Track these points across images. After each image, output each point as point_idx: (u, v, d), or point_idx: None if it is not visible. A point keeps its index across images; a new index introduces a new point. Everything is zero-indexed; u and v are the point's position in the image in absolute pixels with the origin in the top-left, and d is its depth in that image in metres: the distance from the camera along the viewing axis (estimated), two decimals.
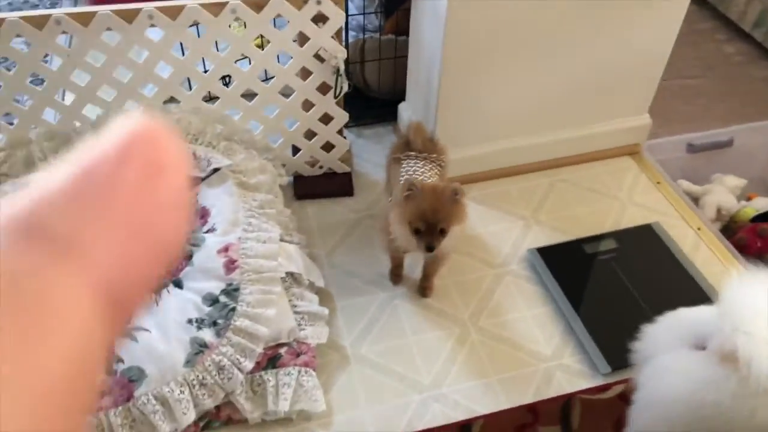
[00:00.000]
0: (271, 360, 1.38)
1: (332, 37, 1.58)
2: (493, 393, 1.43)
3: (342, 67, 1.61)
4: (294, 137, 1.76)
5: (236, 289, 1.38)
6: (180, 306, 1.37)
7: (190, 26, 1.52)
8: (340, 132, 1.79)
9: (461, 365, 1.48)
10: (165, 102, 1.62)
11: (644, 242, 1.74)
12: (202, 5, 1.48)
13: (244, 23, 1.53)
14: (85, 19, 1.44)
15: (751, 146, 2.16)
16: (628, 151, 1.99)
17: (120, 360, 1.28)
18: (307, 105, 1.71)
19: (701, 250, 1.73)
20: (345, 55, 1.60)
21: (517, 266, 1.69)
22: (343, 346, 1.51)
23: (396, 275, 1.64)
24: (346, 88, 1.68)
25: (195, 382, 1.29)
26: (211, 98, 1.68)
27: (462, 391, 1.43)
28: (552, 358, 1.50)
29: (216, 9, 1.49)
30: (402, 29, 2.04)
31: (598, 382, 1.45)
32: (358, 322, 1.55)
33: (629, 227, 1.77)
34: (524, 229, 1.77)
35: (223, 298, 1.37)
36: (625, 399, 1.39)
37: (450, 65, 1.68)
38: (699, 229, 1.78)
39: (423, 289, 1.61)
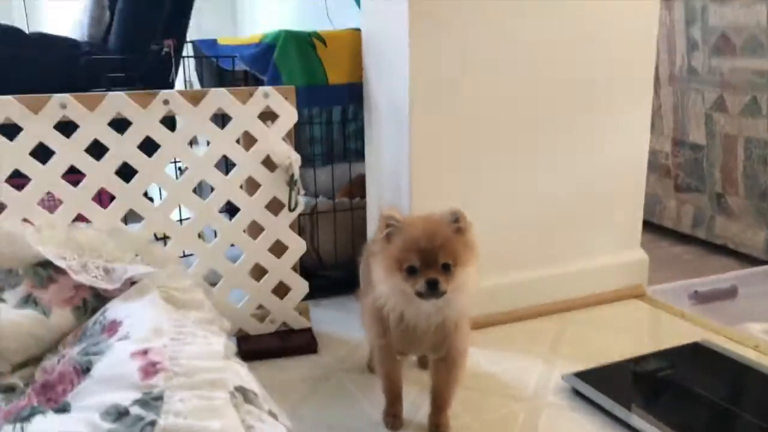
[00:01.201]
0: None
1: (283, 138, 1.35)
2: None
3: (297, 174, 1.35)
4: (237, 275, 1.38)
5: (158, 398, 0.86)
6: (61, 427, 0.82)
7: (112, 121, 1.26)
8: (295, 269, 1.43)
9: None
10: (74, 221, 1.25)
11: (699, 358, 1.36)
12: (129, 94, 1.25)
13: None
14: None
15: (756, 295, 1.93)
16: (634, 294, 1.71)
17: None
18: (255, 230, 1.38)
19: None
20: (299, 161, 1.36)
21: (555, 397, 1.23)
22: None
23: (393, 416, 1.14)
24: (302, 204, 1.38)
25: None
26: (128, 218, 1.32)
27: None
28: None
29: (145, 99, 1.26)
30: (355, 194, 1.85)
31: None
32: None
33: (674, 347, 1.39)
34: (547, 365, 1.35)
35: (136, 410, 0.84)
36: None
37: (419, 194, 1.45)
38: (757, 346, 1.42)
39: (436, 427, 1.11)
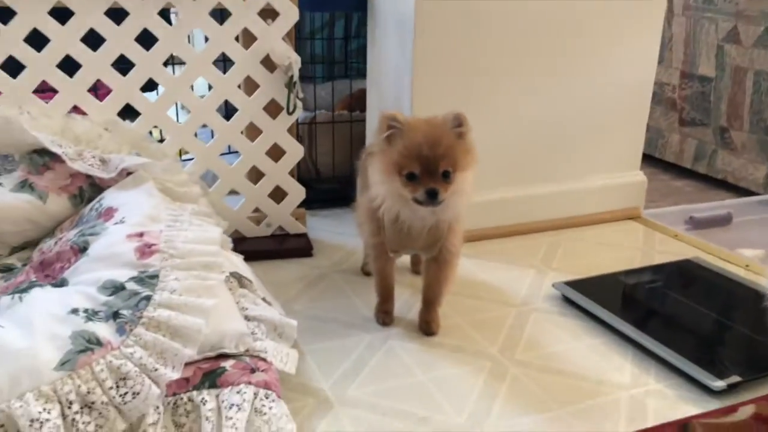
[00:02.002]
0: (208, 375, 0.83)
1: (283, 39, 1.33)
2: (566, 425, 0.90)
3: (297, 76, 1.33)
4: (234, 177, 1.38)
5: (154, 276, 0.88)
6: (59, 297, 0.84)
7: (110, 10, 1.23)
8: (293, 174, 1.43)
9: (506, 400, 0.96)
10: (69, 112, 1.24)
11: (690, 272, 1.38)
12: None
13: None
14: None
15: (750, 223, 1.94)
16: (630, 215, 1.71)
17: None
18: (253, 132, 1.37)
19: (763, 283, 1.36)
20: (299, 62, 1.33)
21: (545, 304, 1.25)
22: (320, 388, 0.96)
23: (385, 312, 1.16)
24: (300, 106, 1.37)
25: (72, 397, 0.72)
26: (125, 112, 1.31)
27: (517, 426, 0.89)
28: (634, 386, 1.01)
29: None
30: (355, 108, 1.83)
31: (711, 404, 0.96)
32: (339, 364, 1.03)
33: (666, 262, 1.40)
34: (539, 275, 1.37)
35: (132, 286, 0.86)
36: (763, 420, 0.91)
37: (420, 107, 1.42)
38: (747, 266, 1.44)
39: (426, 323, 1.13)
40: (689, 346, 1.09)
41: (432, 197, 0.97)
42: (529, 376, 1.01)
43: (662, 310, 1.24)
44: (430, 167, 0.97)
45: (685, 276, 1.37)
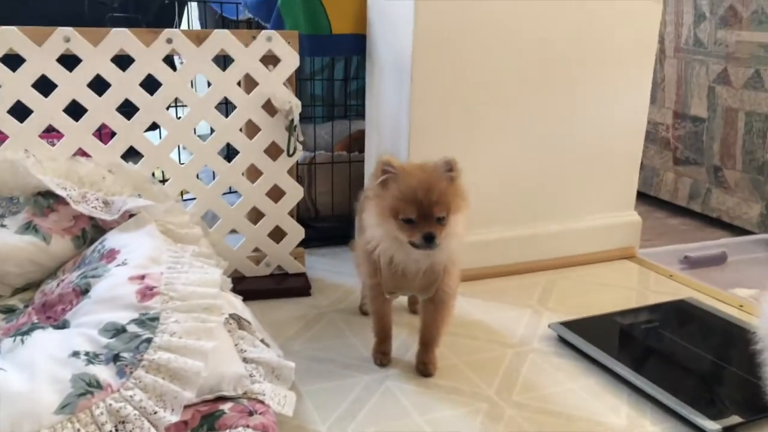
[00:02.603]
0: (207, 418, 0.84)
1: (284, 83, 1.36)
2: None
3: (297, 120, 1.36)
4: (234, 218, 1.40)
5: (154, 319, 0.89)
6: (60, 340, 0.85)
7: (114, 56, 1.27)
8: (292, 215, 1.45)
9: None
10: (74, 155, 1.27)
11: (685, 313, 1.39)
12: (132, 31, 1.25)
13: None
14: None
15: (745, 262, 1.96)
16: (625, 255, 1.73)
17: None
18: (253, 174, 1.40)
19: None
20: (300, 107, 1.37)
21: (541, 344, 1.26)
22: (317, 431, 0.97)
23: (382, 353, 1.17)
24: (300, 149, 1.40)
25: None
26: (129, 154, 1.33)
27: None
28: (630, 428, 1.01)
29: (148, 37, 1.26)
30: (354, 148, 1.86)
31: None
32: (336, 406, 1.03)
33: (660, 302, 1.42)
34: (535, 315, 1.38)
35: (133, 328, 0.87)
36: None
37: (417, 148, 1.45)
38: (741, 306, 1.45)
39: (423, 365, 1.14)
40: (684, 387, 1.10)
41: (429, 241, 0.99)
42: (525, 418, 1.02)
43: (657, 351, 1.25)
44: (425, 212, 0.99)
45: (680, 316, 1.38)
